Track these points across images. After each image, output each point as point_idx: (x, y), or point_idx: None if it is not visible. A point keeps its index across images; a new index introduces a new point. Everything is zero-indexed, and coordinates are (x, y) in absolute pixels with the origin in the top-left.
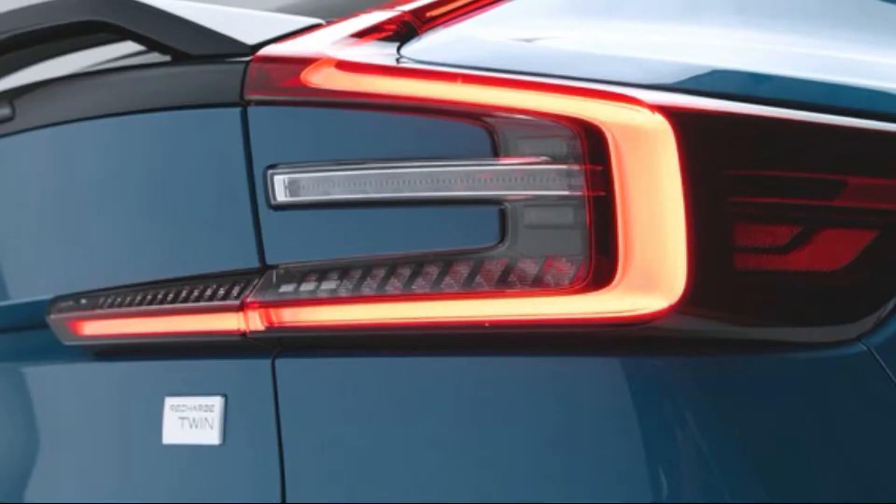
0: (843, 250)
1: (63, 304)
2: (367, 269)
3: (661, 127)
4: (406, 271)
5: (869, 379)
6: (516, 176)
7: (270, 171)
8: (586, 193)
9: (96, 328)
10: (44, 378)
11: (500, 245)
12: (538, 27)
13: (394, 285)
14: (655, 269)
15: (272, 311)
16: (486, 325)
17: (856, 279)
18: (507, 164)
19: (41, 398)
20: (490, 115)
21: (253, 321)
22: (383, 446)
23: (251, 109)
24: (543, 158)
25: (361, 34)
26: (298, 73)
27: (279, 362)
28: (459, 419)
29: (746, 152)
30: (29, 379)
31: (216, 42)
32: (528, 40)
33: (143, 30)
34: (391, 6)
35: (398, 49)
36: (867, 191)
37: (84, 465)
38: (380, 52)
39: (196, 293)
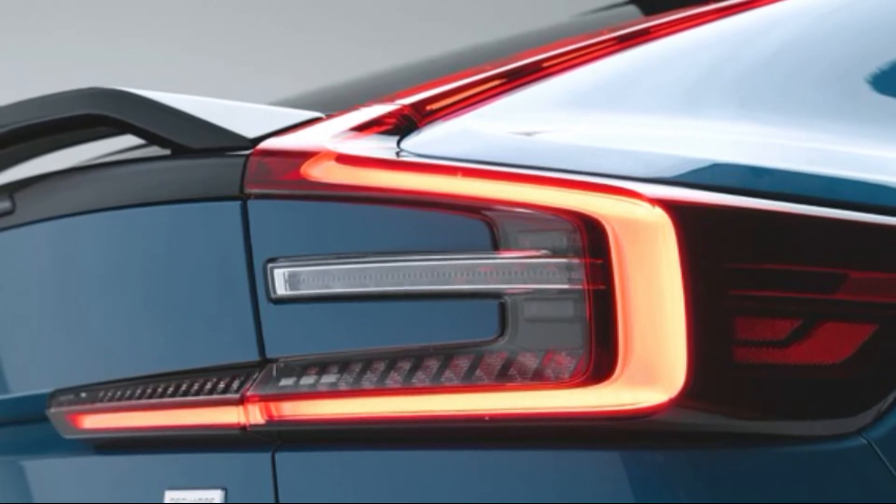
0: (844, 344)
1: (63, 398)
2: (367, 362)
3: (661, 220)
4: (406, 365)
5: (869, 472)
6: (516, 269)
7: (270, 265)
8: (586, 287)
9: (96, 422)
10: (44, 471)
11: (500, 338)
12: (538, 121)
13: (394, 379)
14: (655, 362)
15: (272, 405)
16: (487, 418)
17: (856, 373)
18: (507, 257)
19: (41, 491)
20: (490, 209)
21: (253, 415)
22: None
23: (251, 203)
24: (543, 252)
25: (361, 128)
26: (298, 167)
27: (279, 456)
28: None
29: (746, 246)
30: (29, 472)
31: (216, 135)
32: (528, 134)
33: (142, 123)
34: (391, 99)
35: (398, 142)
36: (867, 285)
37: None
38: (380, 146)
39: (196, 386)
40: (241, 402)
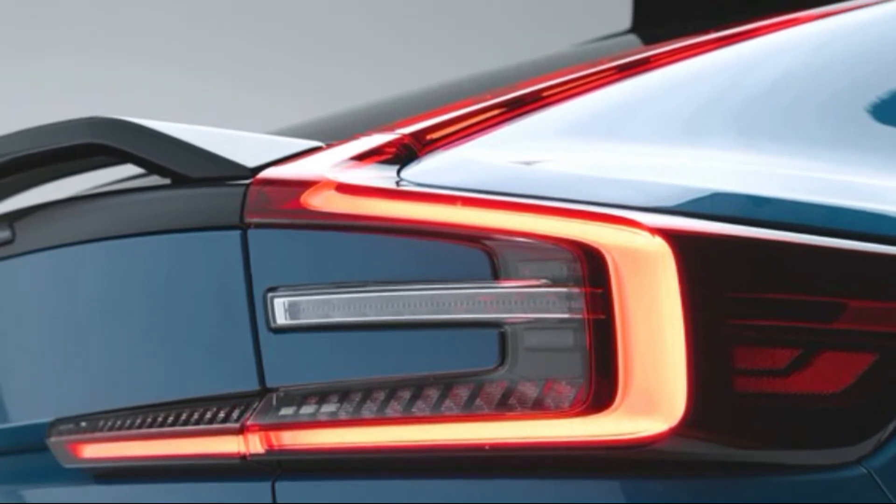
0: (844, 373)
1: (63, 427)
2: (367, 391)
3: (661, 249)
4: (406, 394)
5: (869, 502)
6: (516, 298)
7: (270, 294)
8: (586, 316)
9: (96, 451)
10: (44, 501)
11: (500, 368)
12: (538, 150)
13: (394, 408)
14: (655, 391)
15: (272, 434)
16: (487, 447)
17: (856, 402)
18: (507, 286)
19: None
20: (490, 238)
21: (253, 444)
22: None
23: (251, 232)
24: (543, 281)
25: (361, 157)
26: (298, 196)
27: (279, 485)
28: None
29: (746, 275)
30: (29, 502)
31: (216, 164)
32: (528, 163)
33: (142, 152)
34: (391, 129)
35: (398, 172)
36: (867, 314)
37: None
38: (380, 175)
39: (196, 416)
40: (241, 431)
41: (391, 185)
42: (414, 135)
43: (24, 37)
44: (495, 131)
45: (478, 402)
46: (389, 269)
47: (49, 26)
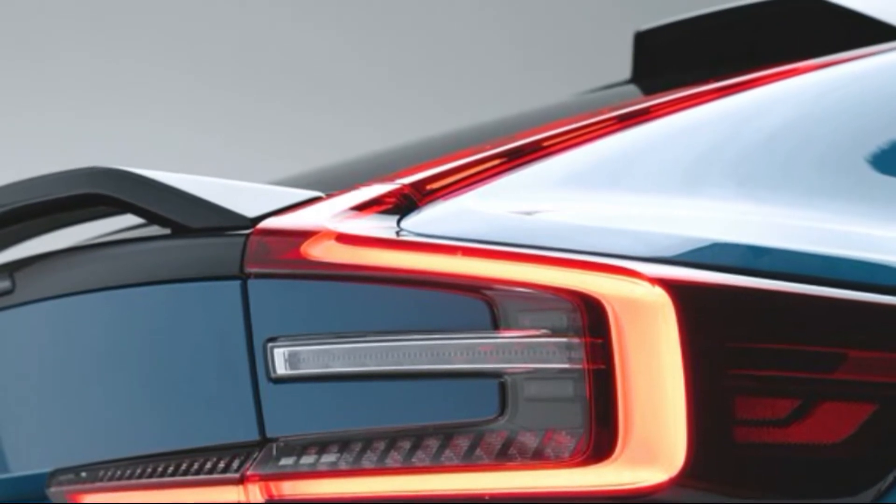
0: (844, 423)
1: (63, 477)
2: (368, 441)
3: (661, 300)
4: (406, 444)
5: None
6: (516, 349)
7: (270, 344)
8: (586, 366)
9: (96, 501)
10: None
11: (500, 418)
12: (538, 200)
13: (394, 458)
14: (655, 441)
15: (272, 485)
16: (487, 498)
17: (856, 452)
18: (507, 336)
19: None
20: (490, 288)
21: (253, 494)
22: None
23: (251, 282)
24: (543, 331)
25: (361, 207)
26: (298, 246)
27: None
28: None
29: (746, 325)
30: None
31: (216, 215)
32: (529, 213)
33: (142, 202)
34: (391, 179)
35: (398, 222)
36: (867, 364)
37: None
38: (380, 225)
39: (196, 466)
40: (242, 481)
41: (391, 235)
42: (414, 185)
43: (24, 86)
44: (495, 181)
45: (478, 452)
46: (389, 319)
47: (49, 76)
